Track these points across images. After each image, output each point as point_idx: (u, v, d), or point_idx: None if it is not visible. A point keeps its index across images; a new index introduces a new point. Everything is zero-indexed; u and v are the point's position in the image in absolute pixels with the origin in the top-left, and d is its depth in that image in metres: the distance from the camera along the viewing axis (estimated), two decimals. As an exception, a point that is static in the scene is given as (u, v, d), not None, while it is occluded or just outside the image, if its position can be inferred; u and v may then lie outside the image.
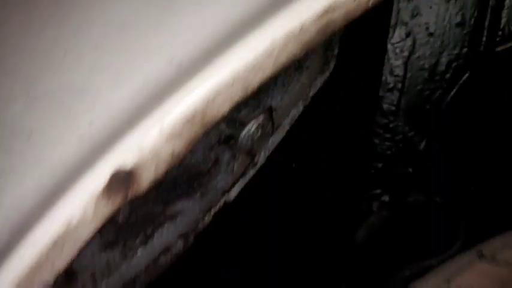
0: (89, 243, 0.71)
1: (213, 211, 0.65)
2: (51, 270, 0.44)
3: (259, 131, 0.63)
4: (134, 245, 0.66)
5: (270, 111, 0.61)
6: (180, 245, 0.64)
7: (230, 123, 0.72)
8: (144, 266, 0.63)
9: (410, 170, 1.13)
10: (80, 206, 0.37)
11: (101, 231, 0.70)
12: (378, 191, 1.16)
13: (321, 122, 0.87)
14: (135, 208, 0.71)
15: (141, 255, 0.65)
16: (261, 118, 0.61)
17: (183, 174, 0.72)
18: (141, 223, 0.69)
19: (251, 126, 0.61)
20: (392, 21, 0.98)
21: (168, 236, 0.65)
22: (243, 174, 0.65)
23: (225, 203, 0.66)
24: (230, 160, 0.70)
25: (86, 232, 0.42)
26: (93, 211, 0.37)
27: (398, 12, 0.98)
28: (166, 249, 0.64)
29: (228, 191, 0.66)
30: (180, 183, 0.71)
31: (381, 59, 0.98)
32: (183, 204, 0.68)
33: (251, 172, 0.66)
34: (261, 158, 0.67)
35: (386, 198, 1.17)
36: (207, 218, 0.65)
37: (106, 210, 0.38)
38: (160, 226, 0.67)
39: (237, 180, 0.66)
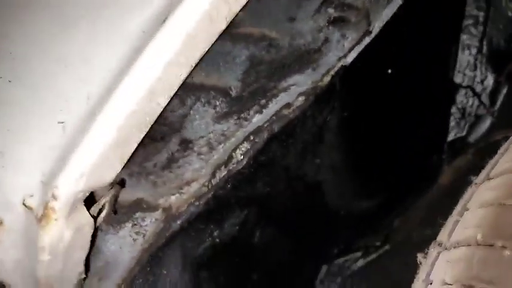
0: (203, 116, 0.74)
1: (331, 73, 0.66)
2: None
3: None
4: (249, 115, 0.68)
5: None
6: (300, 101, 0.65)
7: (338, 7, 0.75)
8: (263, 123, 0.64)
9: (495, 109, 1.10)
10: None
11: (214, 104, 0.72)
12: (464, 133, 1.13)
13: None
14: (247, 85, 0.73)
15: (258, 120, 0.66)
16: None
17: (291, 55, 0.74)
18: (254, 97, 0.70)
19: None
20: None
21: (284, 101, 0.66)
22: (359, 42, 0.67)
23: (342, 66, 0.67)
24: (340, 39, 0.71)
25: None
26: None
27: None
28: (287, 105, 0.65)
29: (345, 56, 0.67)
30: (290, 62, 0.73)
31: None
32: (295, 79, 0.69)
33: (366, 40, 0.67)
34: (376, 28, 0.68)
35: (471, 139, 1.13)
36: (326, 79, 0.66)
37: None
38: (274, 97, 0.68)
39: (353, 47, 0.67)
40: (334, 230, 0.97)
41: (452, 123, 1.13)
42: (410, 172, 1.06)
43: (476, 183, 0.42)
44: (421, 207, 1.14)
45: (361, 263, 1.13)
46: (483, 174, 0.42)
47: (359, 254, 1.13)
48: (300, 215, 0.86)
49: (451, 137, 1.14)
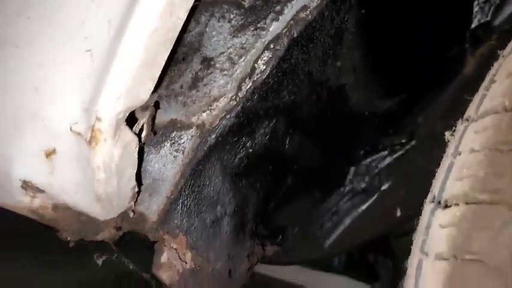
0: (219, 32, 0.75)
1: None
2: None
3: None
4: (266, 24, 0.68)
5: None
6: (316, 1, 0.64)
7: None
8: (281, 30, 0.64)
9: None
10: None
11: (229, 18, 0.72)
12: (488, 18, 1.08)
13: None
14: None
15: (276, 28, 0.66)
16: None
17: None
18: (268, 5, 0.69)
19: None
20: None
21: (300, 4, 0.65)
22: None
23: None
24: None
25: None
26: None
27: None
28: (303, 7, 0.65)
29: None
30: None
31: None
32: (310, -21, 0.68)
33: None
34: None
35: (495, 23, 1.09)
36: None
37: None
38: (289, 1, 0.67)
39: None
40: (359, 132, 0.99)
41: (475, 9, 1.08)
42: (433, 66, 1.04)
43: (503, 56, 0.42)
44: (444, 101, 1.14)
45: (388, 160, 1.17)
46: (510, 45, 0.42)
47: (385, 152, 1.16)
48: (325, 119, 0.88)
49: (474, 24, 1.10)
